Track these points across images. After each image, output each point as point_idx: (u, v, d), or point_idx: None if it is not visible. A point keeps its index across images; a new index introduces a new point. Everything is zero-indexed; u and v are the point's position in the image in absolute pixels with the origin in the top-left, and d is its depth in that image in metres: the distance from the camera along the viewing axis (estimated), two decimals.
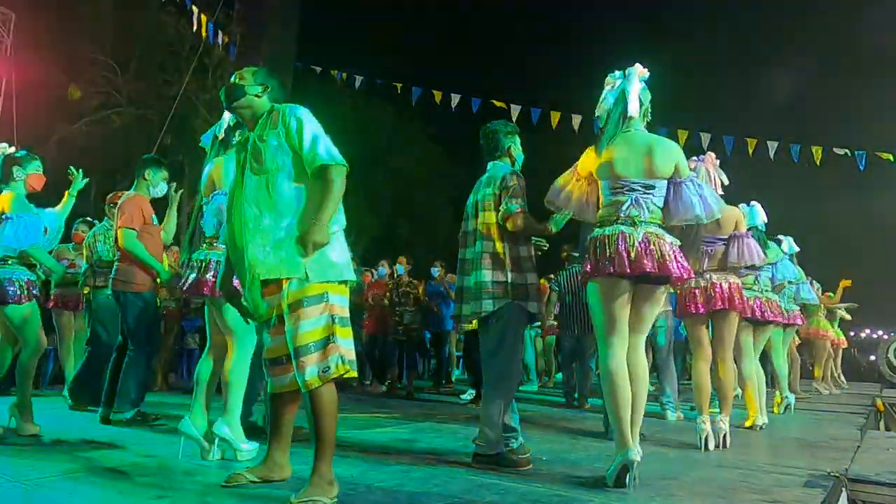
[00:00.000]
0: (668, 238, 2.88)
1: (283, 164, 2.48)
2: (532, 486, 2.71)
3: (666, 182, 2.94)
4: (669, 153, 2.94)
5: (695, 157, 4.03)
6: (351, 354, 2.39)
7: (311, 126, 2.51)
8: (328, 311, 2.37)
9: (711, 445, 3.84)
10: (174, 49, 14.61)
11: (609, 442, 4.11)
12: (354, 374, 2.42)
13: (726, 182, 4.21)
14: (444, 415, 5.53)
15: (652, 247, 2.81)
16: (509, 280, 3.23)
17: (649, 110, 3.12)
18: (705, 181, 3.84)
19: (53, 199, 4.60)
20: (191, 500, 2.35)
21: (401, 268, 7.67)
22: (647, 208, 2.88)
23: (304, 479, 2.36)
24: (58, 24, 12.57)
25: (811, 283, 9.11)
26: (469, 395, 6.80)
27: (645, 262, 2.77)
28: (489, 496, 2.53)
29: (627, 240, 2.82)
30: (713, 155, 3.97)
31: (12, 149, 4.00)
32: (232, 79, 2.71)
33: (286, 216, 2.45)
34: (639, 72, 3.05)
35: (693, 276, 2.95)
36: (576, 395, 6.49)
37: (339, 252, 2.48)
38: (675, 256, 2.85)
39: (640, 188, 2.90)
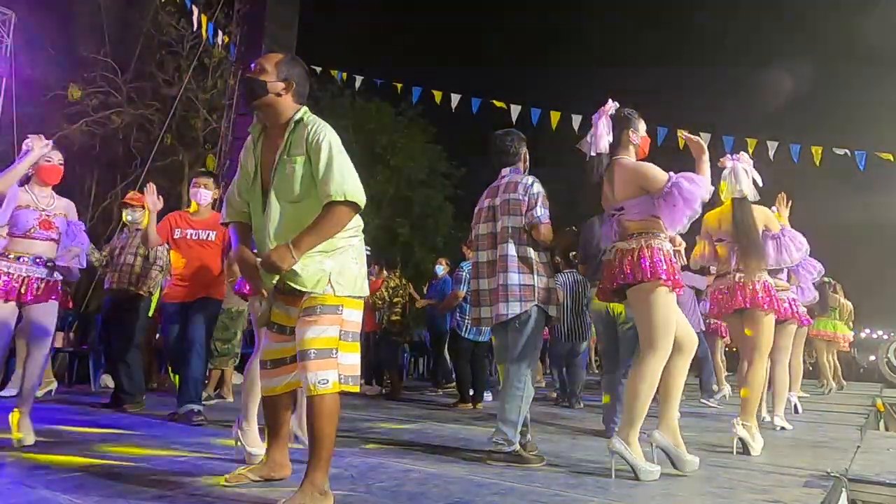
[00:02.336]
0: (631, 246, 3.09)
1: (311, 190, 2.36)
2: (532, 486, 2.71)
3: (637, 200, 3.13)
4: (627, 179, 3.18)
5: (731, 156, 4.06)
6: (353, 370, 2.36)
7: (331, 153, 2.34)
8: (339, 325, 2.34)
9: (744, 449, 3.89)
10: (174, 49, 14.60)
11: (604, 437, 4.15)
12: (356, 389, 2.42)
13: (760, 183, 4.15)
14: (445, 415, 5.53)
15: (616, 262, 3.12)
16: (536, 284, 3.37)
17: (634, 133, 3.29)
18: (742, 179, 3.99)
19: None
20: (191, 500, 2.35)
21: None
22: (621, 227, 3.17)
23: (301, 479, 2.35)
24: (58, 24, 12.56)
25: (834, 285, 9.13)
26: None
27: (608, 279, 3.16)
28: (489, 496, 2.53)
29: (607, 263, 3.22)
30: (746, 155, 4.03)
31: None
32: (253, 70, 2.48)
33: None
34: (606, 109, 3.27)
35: (657, 277, 3.02)
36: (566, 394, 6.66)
37: (359, 265, 2.45)
38: (630, 262, 3.06)
39: (615, 212, 3.22)
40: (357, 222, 2.48)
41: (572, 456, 3.46)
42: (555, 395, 7.06)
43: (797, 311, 4.81)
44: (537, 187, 3.44)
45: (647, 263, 3.01)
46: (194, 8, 10.54)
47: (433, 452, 3.53)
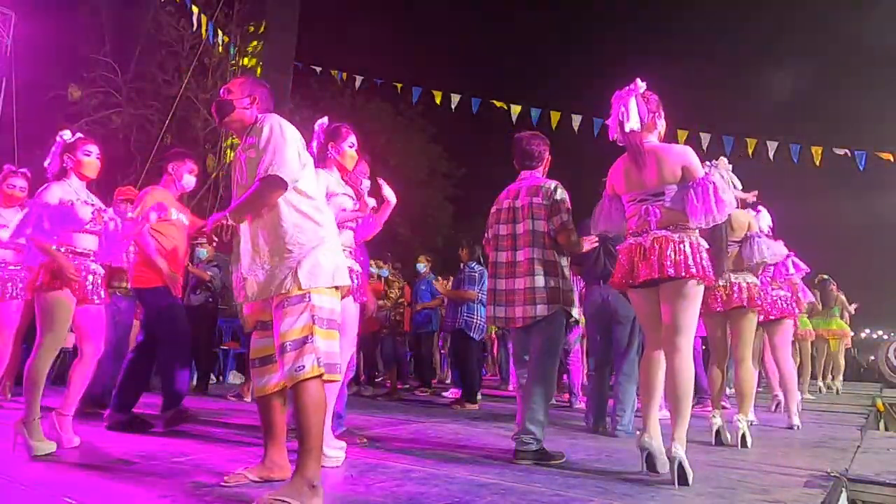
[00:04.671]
0: (679, 239, 2.96)
1: None
2: (532, 486, 2.71)
3: (677, 187, 3.02)
4: (675, 158, 3.03)
5: (707, 163, 4.08)
6: (332, 358, 2.36)
7: (270, 135, 2.47)
8: (308, 311, 2.36)
9: (724, 438, 3.97)
10: (174, 49, 14.60)
11: (601, 435, 4.19)
12: (336, 378, 2.40)
13: (739, 186, 4.30)
14: (445, 415, 5.53)
15: (655, 252, 2.94)
16: (560, 286, 3.40)
17: (659, 119, 3.18)
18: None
19: None
20: (191, 500, 2.35)
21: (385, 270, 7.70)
22: (660, 215, 3.01)
23: None
24: (58, 24, 12.57)
25: (829, 282, 9.15)
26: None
27: (644, 269, 2.96)
28: (489, 496, 2.52)
29: (635, 250, 3.03)
30: (725, 160, 4.05)
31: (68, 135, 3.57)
32: (221, 93, 2.73)
33: (279, 231, 2.44)
34: (636, 87, 3.12)
35: (704, 274, 2.97)
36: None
37: (330, 257, 2.48)
38: (680, 257, 2.92)
39: (649, 197, 3.05)
40: (327, 217, 2.58)
41: (572, 456, 3.45)
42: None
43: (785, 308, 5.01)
44: (561, 193, 3.46)
45: (696, 259, 2.94)
46: (194, 8, 10.54)
47: (433, 452, 3.53)
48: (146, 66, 14.80)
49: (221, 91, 2.74)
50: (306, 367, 2.28)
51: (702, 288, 3.03)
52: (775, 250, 4.28)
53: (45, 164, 3.50)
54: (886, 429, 7.05)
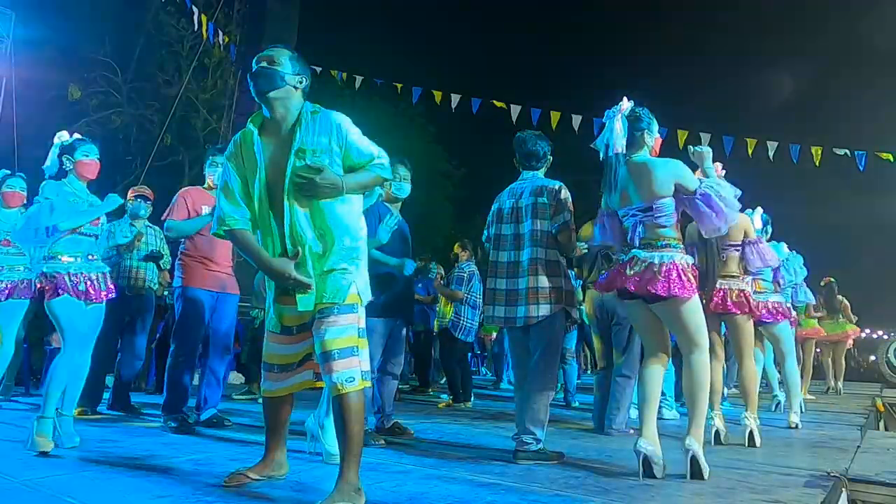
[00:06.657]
0: (659, 261, 2.97)
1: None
2: (532, 486, 2.71)
3: (668, 201, 3.03)
4: (664, 174, 3.05)
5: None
6: (368, 366, 2.40)
7: (359, 132, 2.49)
8: (356, 323, 2.38)
9: (722, 439, 3.99)
10: (174, 49, 14.60)
11: (601, 435, 4.20)
12: (368, 383, 2.42)
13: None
14: (445, 415, 5.53)
15: (633, 269, 3.00)
16: (563, 286, 3.41)
17: (649, 134, 3.20)
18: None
19: None
20: (191, 500, 2.35)
21: None
22: (645, 231, 3.05)
23: (301, 479, 2.35)
24: (58, 23, 12.56)
25: (835, 286, 9.18)
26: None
27: (624, 283, 3.03)
28: (489, 496, 2.52)
29: (623, 266, 3.07)
30: (719, 165, 4.04)
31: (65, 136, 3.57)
32: (262, 63, 2.41)
33: (338, 239, 2.39)
34: (622, 108, 3.15)
35: (686, 292, 2.97)
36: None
37: (366, 272, 2.52)
38: (660, 276, 2.93)
39: (638, 213, 3.08)
40: (364, 223, 2.56)
41: (572, 456, 3.45)
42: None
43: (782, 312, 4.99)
44: (565, 193, 3.47)
45: (682, 279, 2.95)
46: (194, 8, 10.54)
47: (433, 452, 3.53)
48: (146, 66, 14.79)
49: (263, 57, 2.43)
50: (356, 379, 2.31)
51: (693, 300, 3.03)
52: (776, 256, 4.30)
53: (45, 166, 3.50)
54: (886, 429, 7.06)
